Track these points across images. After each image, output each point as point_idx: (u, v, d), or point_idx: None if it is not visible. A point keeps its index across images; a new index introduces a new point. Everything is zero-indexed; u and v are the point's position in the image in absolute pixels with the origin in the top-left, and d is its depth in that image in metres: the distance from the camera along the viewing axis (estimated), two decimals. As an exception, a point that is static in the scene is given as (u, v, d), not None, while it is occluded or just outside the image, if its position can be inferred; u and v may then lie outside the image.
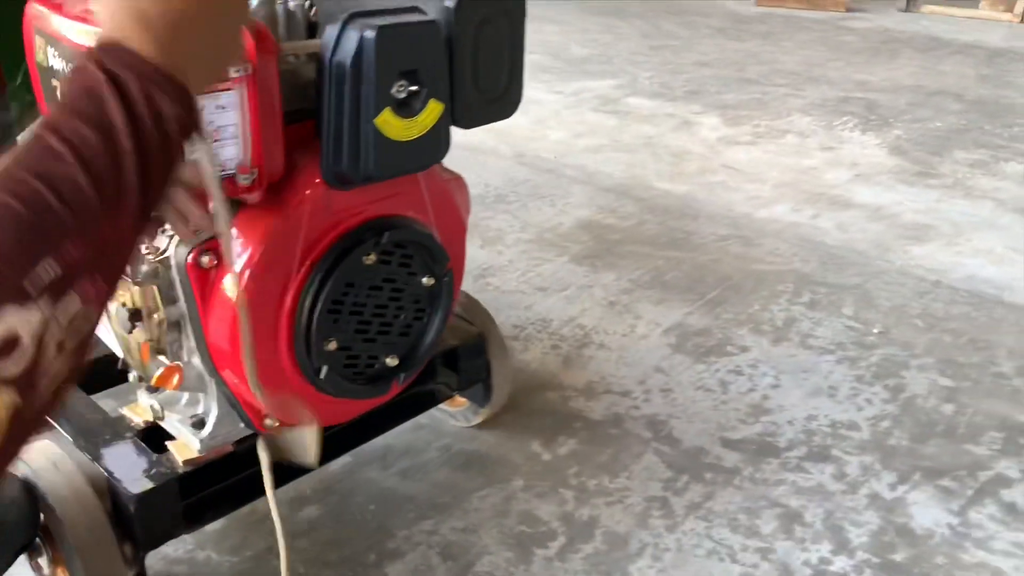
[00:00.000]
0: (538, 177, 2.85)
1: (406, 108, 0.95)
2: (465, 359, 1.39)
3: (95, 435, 1.11)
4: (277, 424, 1.09)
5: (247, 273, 0.95)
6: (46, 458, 1.05)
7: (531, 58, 4.49)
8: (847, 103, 3.74)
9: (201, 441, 1.07)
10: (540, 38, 5.00)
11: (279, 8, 0.99)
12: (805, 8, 5.91)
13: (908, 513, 1.41)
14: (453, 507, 1.39)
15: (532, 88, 3.93)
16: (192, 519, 1.11)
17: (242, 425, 1.09)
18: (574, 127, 3.41)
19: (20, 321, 0.44)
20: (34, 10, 0.92)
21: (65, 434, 1.12)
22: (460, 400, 1.53)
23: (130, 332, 1.00)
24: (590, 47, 4.78)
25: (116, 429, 1.13)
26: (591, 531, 1.36)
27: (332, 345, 1.03)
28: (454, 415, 1.56)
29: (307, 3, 1.12)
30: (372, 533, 1.33)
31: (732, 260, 2.29)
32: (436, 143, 1.00)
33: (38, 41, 0.92)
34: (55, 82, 0.90)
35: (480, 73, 1.07)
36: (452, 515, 1.37)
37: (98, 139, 0.50)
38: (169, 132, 0.53)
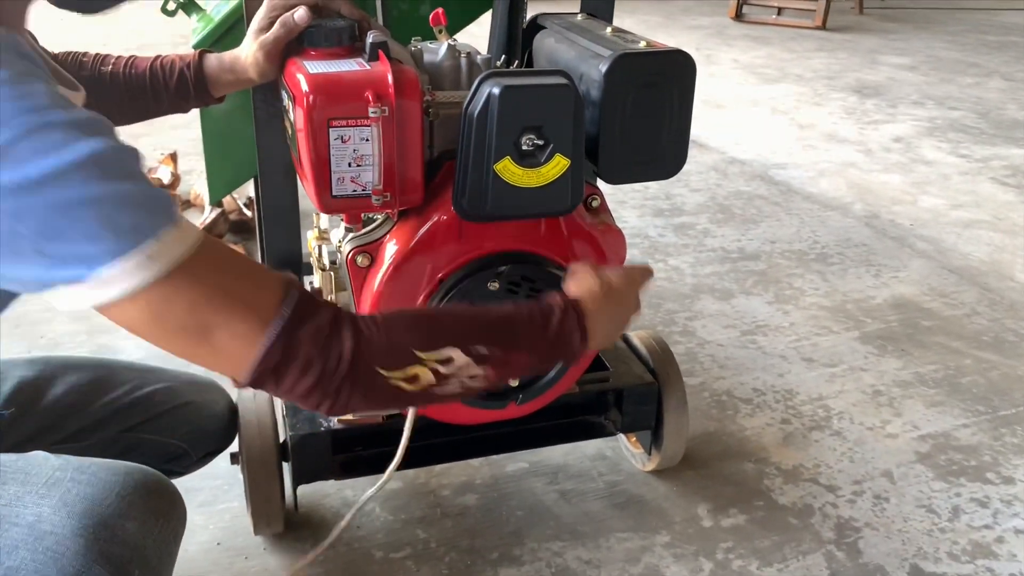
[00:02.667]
0: (878, 244, 2.64)
1: (530, 159, 1.05)
2: (630, 402, 1.43)
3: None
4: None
5: (387, 273, 1.13)
6: (251, 390, 1.35)
7: (950, 114, 4.16)
8: None
9: (354, 407, 1.28)
10: (976, 93, 4.50)
11: (463, 60, 1.15)
12: None
13: None
14: (588, 538, 1.44)
15: (931, 148, 3.60)
16: (342, 470, 1.33)
17: (391, 404, 1.28)
18: (956, 196, 3.07)
19: (458, 356, 0.84)
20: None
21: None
22: (639, 442, 1.56)
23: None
24: (1031, 109, 4.19)
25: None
26: (708, 608, 1.32)
27: None
28: (633, 455, 1.60)
29: (503, 56, 1.27)
30: (506, 535, 1.44)
31: (1060, 380, 1.93)
32: (561, 194, 1.07)
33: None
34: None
35: (633, 134, 1.12)
36: (584, 545, 1.43)
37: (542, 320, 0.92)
38: (569, 346, 0.93)
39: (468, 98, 1.03)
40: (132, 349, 1.93)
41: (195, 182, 2.72)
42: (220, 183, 1.68)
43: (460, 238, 1.12)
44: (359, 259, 1.15)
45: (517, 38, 1.45)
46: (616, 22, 1.39)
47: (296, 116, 1.04)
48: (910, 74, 4.92)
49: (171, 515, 0.90)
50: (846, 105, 4.24)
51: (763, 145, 3.58)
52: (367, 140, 1.03)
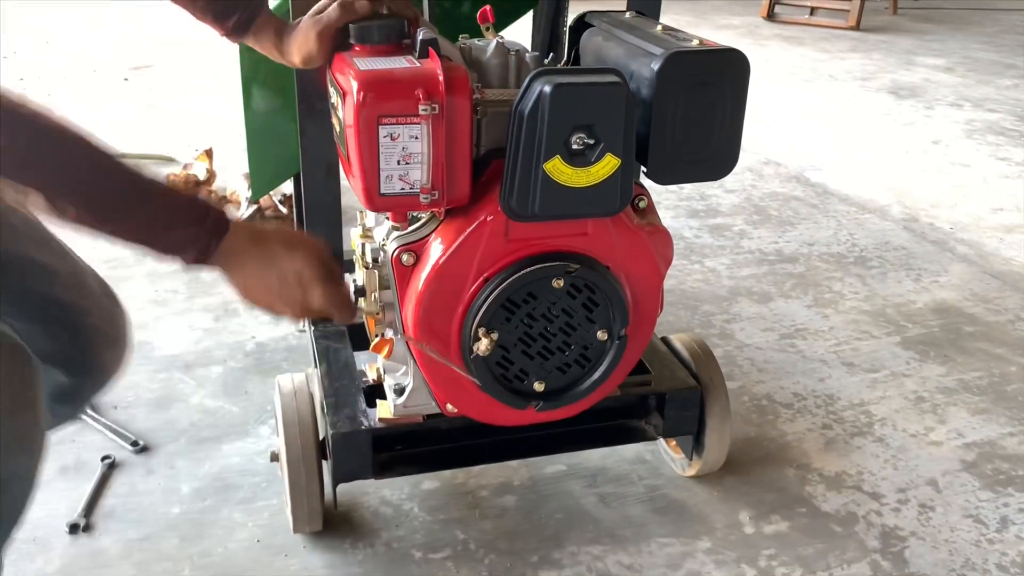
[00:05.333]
0: (918, 247, 2.60)
1: (580, 158, 1.03)
2: (672, 407, 1.41)
3: (336, 379, 1.38)
4: (456, 411, 1.25)
5: (432, 272, 1.12)
6: (292, 385, 1.35)
7: (989, 116, 4.09)
8: None
9: (395, 406, 1.28)
10: (1015, 95, 4.43)
11: (511, 58, 1.14)
12: None
13: None
14: (629, 543, 1.42)
15: (970, 150, 3.54)
16: (381, 469, 1.32)
17: (433, 403, 1.27)
18: (998, 200, 3.01)
19: (37, 200, 0.86)
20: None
21: (319, 373, 1.41)
22: (679, 447, 1.54)
23: (356, 304, 1.24)
24: (1073, 112, 4.11)
25: (353, 378, 1.38)
26: (752, 616, 1.30)
27: (494, 335, 1.13)
28: (673, 460, 1.58)
29: (551, 53, 1.25)
30: (546, 539, 1.43)
31: (1110, 388, 1.89)
32: (610, 194, 1.06)
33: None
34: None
35: (684, 134, 1.10)
36: (625, 549, 1.41)
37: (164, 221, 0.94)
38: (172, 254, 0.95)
39: (518, 96, 1.02)
40: (168, 345, 1.94)
41: (232, 178, 2.73)
42: (263, 180, 1.68)
43: (506, 238, 1.11)
44: (404, 257, 1.14)
45: (562, 37, 1.43)
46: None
47: (345, 112, 1.04)
48: (946, 75, 4.85)
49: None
50: (882, 107, 4.18)
51: (798, 146, 3.54)
52: (416, 138, 1.02)
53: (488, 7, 1.25)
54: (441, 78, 1.01)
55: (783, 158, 3.38)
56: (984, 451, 1.68)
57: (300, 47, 1.17)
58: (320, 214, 1.40)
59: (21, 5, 5.70)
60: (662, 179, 1.14)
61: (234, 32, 1.23)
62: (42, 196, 0.86)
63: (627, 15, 1.28)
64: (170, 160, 3.06)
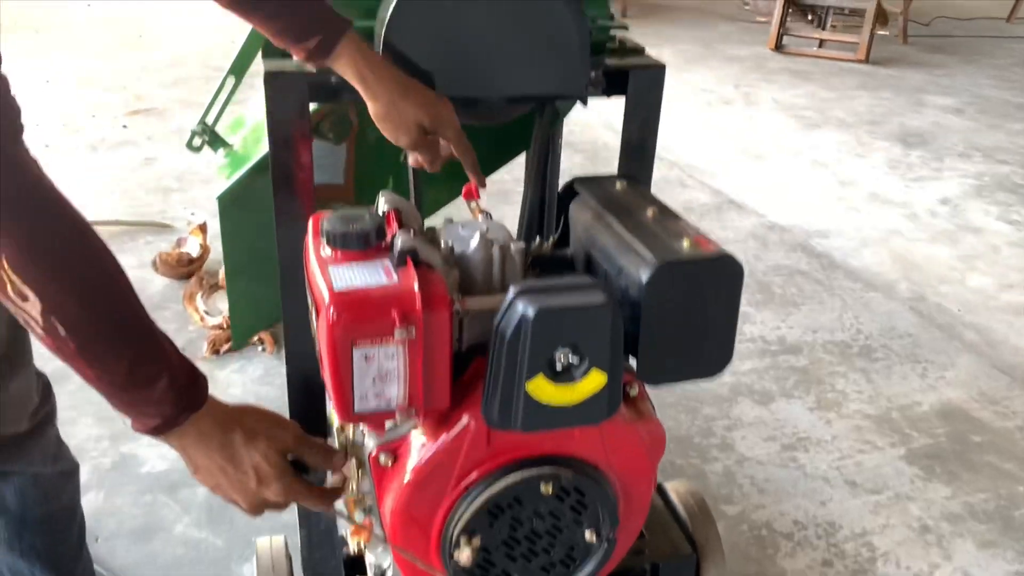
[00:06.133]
0: (925, 333, 2.54)
1: (564, 375, 0.98)
2: None
3: (316, 548, 1.33)
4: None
5: (411, 478, 1.07)
6: (271, 554, 1.30)
7: (998, 170, 4.03)
8: None
9: (375, 591, 1.23)
10: (1021, 143, 4.35)
11: (495, 252, 1.09)
12: None
13: None
14: None
15: (979, 211, 3.48)
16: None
17: (415, 591, 1.22)
18: (1007, 273, 2.95)
19: (32, 310, 0.78)
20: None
21: (300, 537, 1.36)
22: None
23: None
24: (1085, 167, 4.04)
25: (333, 547, 1.34)
26: None
27: (476, 541, 1.08)
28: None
29: (540, 244, 1.20)
30: None
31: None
32: (597, 406, 1.01)
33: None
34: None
35: (673, 338, 1.05)
36: None
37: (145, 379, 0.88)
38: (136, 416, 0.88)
39: (500, 314, 0.97)
40: (155, 459, 1.90)
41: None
42: (243, 326, 1.63)
43: (489, 444, 1.06)
44: (382, 458, 1.09)
45: (548, 204, 1.40)
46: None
47: (319, 327, 0.99)
48: (956, 119, 4.78)
49: None
50: (890, 157, 4.11)
51: (804, 206, 3.48)
52: (392, 357, 0.97)
53: (472, 185, 1.20)
54: (418, 297, 0.96)
55: (789, 221, 3.32)
56: (991, 595, 1.63)
57: (393, 126, 1.17)
58: (303, 376, 1.35)
59: (23, 32, 5.67)
60: (652, 379, 1.09)
61: (314, 56, 1.15)
62: (40, 305, 0.78)
63: (619, 185, 1.22)
64: (165, 227, 3.02)
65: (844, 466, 1.97)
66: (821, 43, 6.33)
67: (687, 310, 1.04)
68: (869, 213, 3.46)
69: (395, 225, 1.09)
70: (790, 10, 6.36)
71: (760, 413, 2.15)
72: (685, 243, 1.06)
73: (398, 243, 1.01)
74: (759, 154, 4.11)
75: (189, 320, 2.40)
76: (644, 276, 1.01)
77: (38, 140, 3.81)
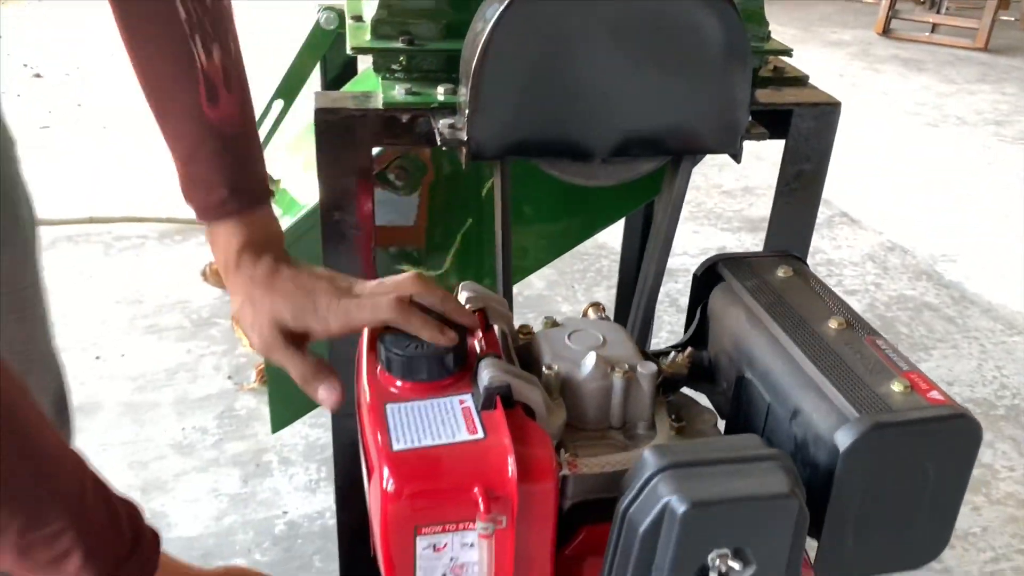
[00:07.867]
0: (1084, 395, 2.16)
1: (720, 584, 0.68)
2: None
3: None
4: None
5: None
6: None
7: None
8: None
9: None
10: None
11: (616, 381, 0.78)
12: None
13: None
14: None
15: None
16: None
17: None
18: None
19: None
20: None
21: None
22: None
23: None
24: None
25: None
26: None
27: None
28: None
29: (671, 356, 0.89)
30: None
31: None
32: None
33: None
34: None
35: (872, 523, 0.73)
36: None
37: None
38: None
39: (627, 496, 0.67)
40: (188, 522, 1.66)
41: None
42: (283, 413, 1.37)
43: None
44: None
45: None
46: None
47: (371, 494, 0.70)
48: (1094, 119, 4.26)
49: None
50: (1020, 167, 3.65)
51: (926, 224, 3.08)
52: (472, 546, 0.68)
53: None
54: (512, 468, 0.66)
55: (910, 242, 2.93)
56: None
57: (255, 326, 0.79)
58: (351, 490, 1.08)
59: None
60: (838, 573, 0.77)
61: (202, 215, 0.85)
62: None
63: (780, 272, 0.90)
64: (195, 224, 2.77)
65: (1000, 572, 1.62)
66: (934, 27, 5.79)
67: (897, 484, 0.73)
68: (1001, 235, 3.04)
69: (479, 334, 0.79)
70: (902, -10, 5.83)
71: (892, 492, 1.81)
72: (896, 387, 0.74)
73: (484, 376, 0.71)
74: (870, 158, 3.69)
75: (239, 342, 2.16)
76: (842, 440, 0.70)
77: (97, 123, 3.61)
